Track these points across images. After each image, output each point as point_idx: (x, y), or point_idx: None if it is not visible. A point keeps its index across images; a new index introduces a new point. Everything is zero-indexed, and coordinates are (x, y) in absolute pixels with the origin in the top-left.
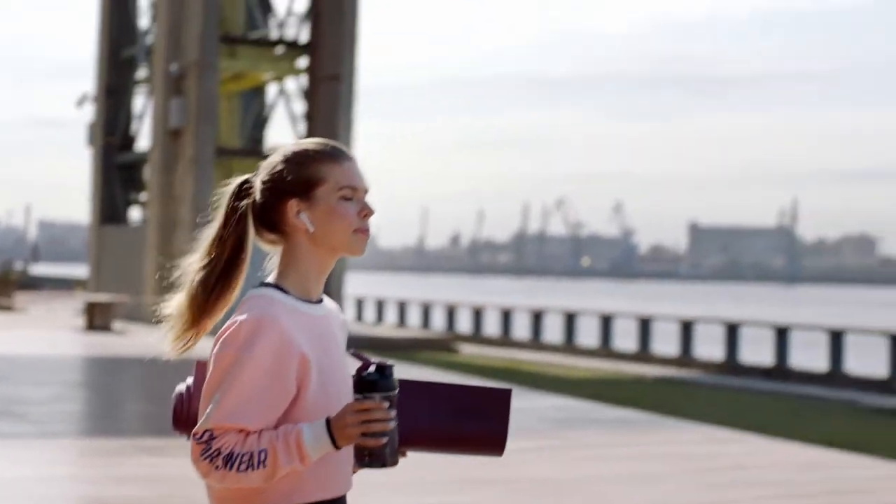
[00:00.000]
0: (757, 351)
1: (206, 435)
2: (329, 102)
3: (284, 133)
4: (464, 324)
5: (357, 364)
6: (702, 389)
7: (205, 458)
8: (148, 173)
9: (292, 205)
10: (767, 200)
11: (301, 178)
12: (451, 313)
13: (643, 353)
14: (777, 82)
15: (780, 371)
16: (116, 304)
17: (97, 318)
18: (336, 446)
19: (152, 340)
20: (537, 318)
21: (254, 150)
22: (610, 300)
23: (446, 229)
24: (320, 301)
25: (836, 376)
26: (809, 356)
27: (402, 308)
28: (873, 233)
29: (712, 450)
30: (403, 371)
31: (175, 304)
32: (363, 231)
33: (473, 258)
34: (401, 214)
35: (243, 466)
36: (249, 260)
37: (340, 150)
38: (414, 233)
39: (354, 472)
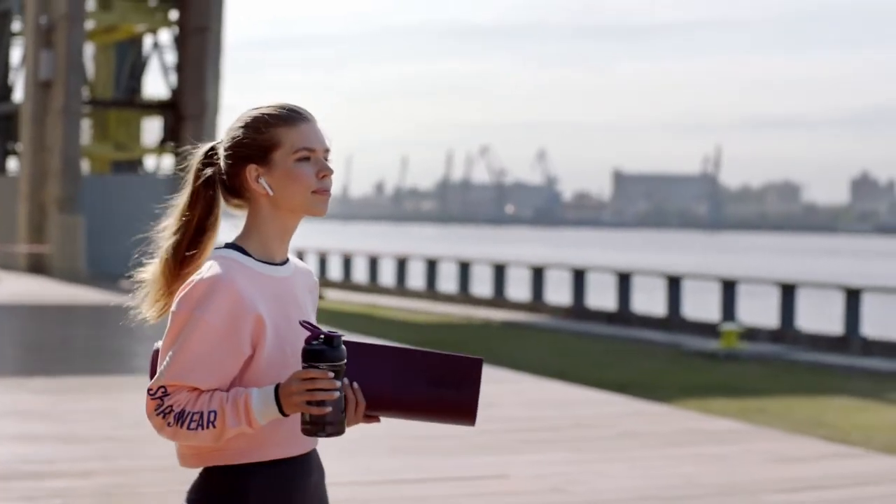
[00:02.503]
0: (647, 299)
1: (160, 391)
2: (198, 53)
3: (159, 84)
4: (334, 271)
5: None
6: (543, 333)
7: (158, 414)
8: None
9: (251, 170)
10: (692, 148)
11: (258, 143)
12: (322, 260)
13: (498, 299)
14: (704, 30)
15: (622, 316)
16: None
17: None
18: (283, 413)
19: (21, 288)
20: (402, 265)
21: (129, 101)
22: (514, 248)
23: (370, 177)
24: (284, 263)
25: (672, 321)
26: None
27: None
28: (797, 180)
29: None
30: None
31: (150, 270)
32: (322, 192)
33: (397, 206)
34: None
35: (193, 425)
36: (219, 225)
37: (297, 112)
38: (337, 181)
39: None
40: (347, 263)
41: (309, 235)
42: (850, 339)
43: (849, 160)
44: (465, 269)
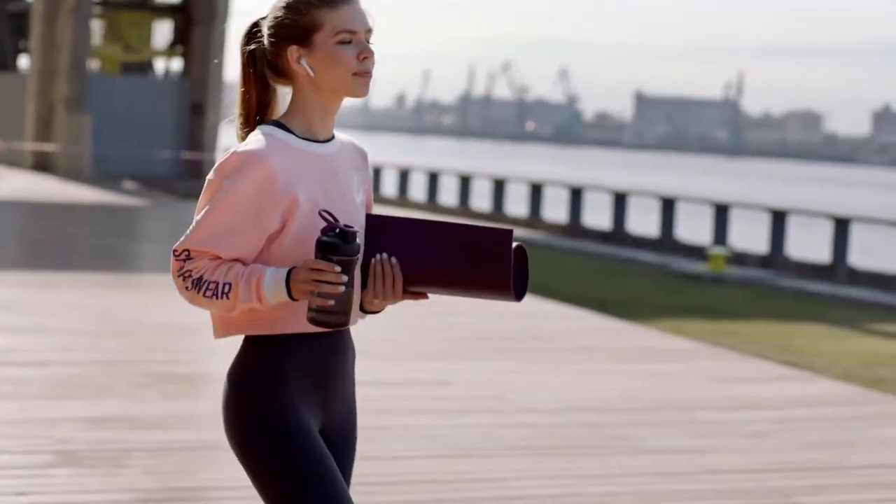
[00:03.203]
0: (641, 221)
1: (184, 254)
2: None
3: None
4: None
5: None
6: (536, 250)
7: (179, 276)
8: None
9: (293, 51)
10: (715, 73)
11: (299, 24)
12: None
13: (497, 214)
14: None
15: (617, 235)
16: None
17: None
18: (291, 297)
19: (22, 185)
20: (404, 176)
21: (141, 2)
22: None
23: (392, 89)
24: (328, 140)
25: (664, 243)
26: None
27: None
28: (818, 109)
29: (445, 302)
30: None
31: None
32: (363, 73)
33: (418, 119)
34: None
35: (209, 293)
36: (278, 98)
37: None
38: None
39: (375, 310)
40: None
41: None
42: (837, 268)
43: (871, 92)
44: (465, 182)
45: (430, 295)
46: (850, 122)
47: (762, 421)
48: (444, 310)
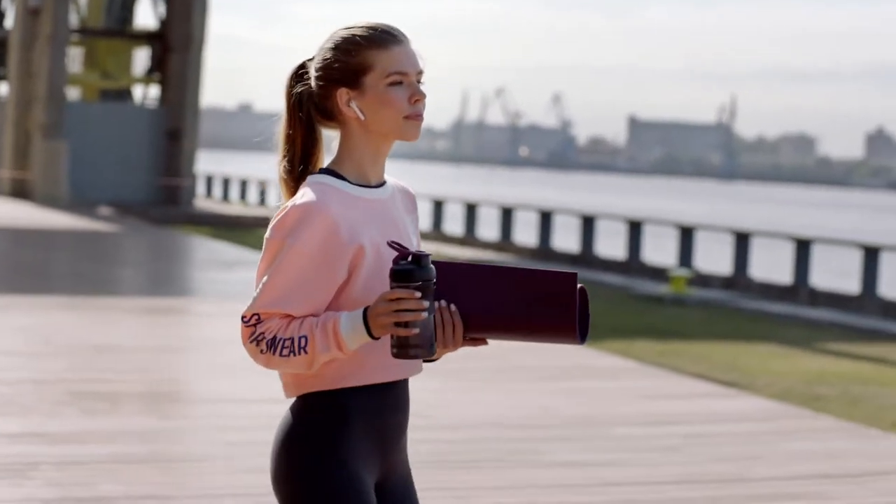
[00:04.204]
0: (610, 243)
1: (254, 319)
2: None
3: (149, 14)
4: None
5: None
6: None
7: (252, 341)
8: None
9: (342, 93)
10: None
11: (349, 66)
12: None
13: (469, 237)
14: None
15: (585, 258)
16: None
17: None
18: (372, 335)
19: (5, 211)
20: None
21: (120, 30)
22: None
23: None
24: (381, 185)
25: (631, 265)
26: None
27: (261, 187)
28: (812, 133)
29: None
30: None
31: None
32: (414, 117)
33: (412, 145)
34: None
35: (286, 351)
36: (322, 141)
37: (389, 34)
38: None
39: (433, 359)
40: None
41: None
42: (799, 289)
43: (865, 115)
44: (438, 207)
45: (489, 340)
46: (844, 146)
47: (675, 436)
48: None
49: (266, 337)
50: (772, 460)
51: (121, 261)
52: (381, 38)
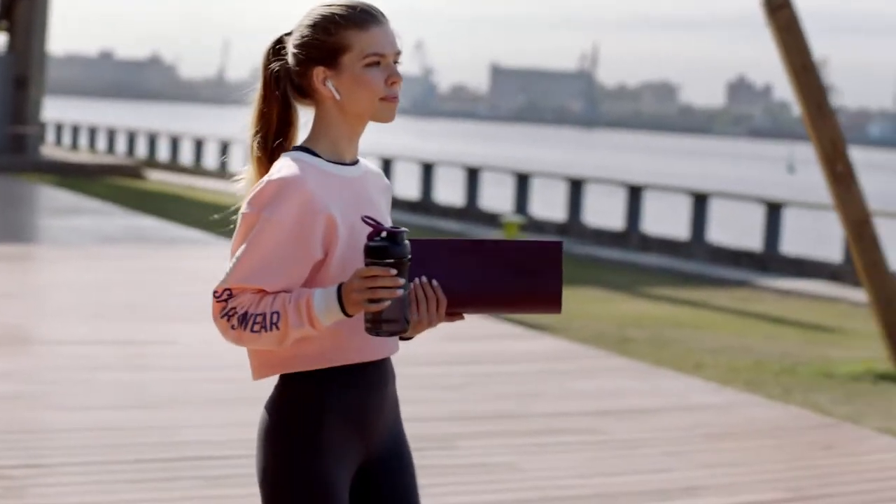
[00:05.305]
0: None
1: (225, 294)
2: None
3: None
4: (164, 152)
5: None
6: None
7: (222, 317)
8: None
9: (319, 72)
10: (570, 45)
11: (326, 45)
12: (152, 141)
13: None
14: None
15: (424, 205)
16: None
17: None
18: (346, 313)
19: None
20: (225, 148)
21: None
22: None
23: (248, 63)
24: (355, 163)
25: (469, 212)
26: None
27: (110, 135)
28: (674, 81)
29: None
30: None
31: (246, 174)
32: (390, 99)
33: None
34: (203, 46)
35: (256, 327)
36: (299, 117)
37: (368, 14)
38: (213, 65)
39: (410, 336)
40: (175, 144)
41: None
42: (630, 235)
43: (726, 63)
44: None
45: (465, 315)
46: (706, 94)
47: (459, 375)
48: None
49: (237, 312)
50: (551, 397)
51: None
52: (360, 17)
